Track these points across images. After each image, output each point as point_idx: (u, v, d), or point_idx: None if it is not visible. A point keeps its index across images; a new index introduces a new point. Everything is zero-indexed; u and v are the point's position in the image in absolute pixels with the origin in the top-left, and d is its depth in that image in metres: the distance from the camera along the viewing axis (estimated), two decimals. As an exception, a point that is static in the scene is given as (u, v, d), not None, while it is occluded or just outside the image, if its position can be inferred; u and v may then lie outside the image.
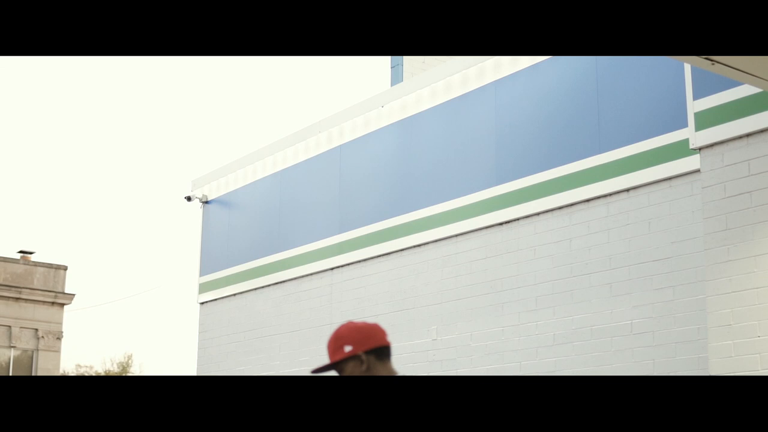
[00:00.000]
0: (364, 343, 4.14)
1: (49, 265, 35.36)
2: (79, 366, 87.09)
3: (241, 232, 15.21)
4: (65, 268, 35.44)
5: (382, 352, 4.18)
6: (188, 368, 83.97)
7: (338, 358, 4.13)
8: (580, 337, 9.74)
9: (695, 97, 8.09)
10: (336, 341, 4.15)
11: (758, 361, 7.38)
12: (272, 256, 14.29)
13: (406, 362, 11.27)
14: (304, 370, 13.30)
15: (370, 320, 4.48)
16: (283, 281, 14.03)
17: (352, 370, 4.14)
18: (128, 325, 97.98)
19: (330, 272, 13.19)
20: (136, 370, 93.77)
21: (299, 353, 13.48)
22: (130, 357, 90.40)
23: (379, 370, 4.15)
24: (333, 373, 4.17)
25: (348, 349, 4.12)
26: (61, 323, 34.86)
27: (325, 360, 4.28)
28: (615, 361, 9.40)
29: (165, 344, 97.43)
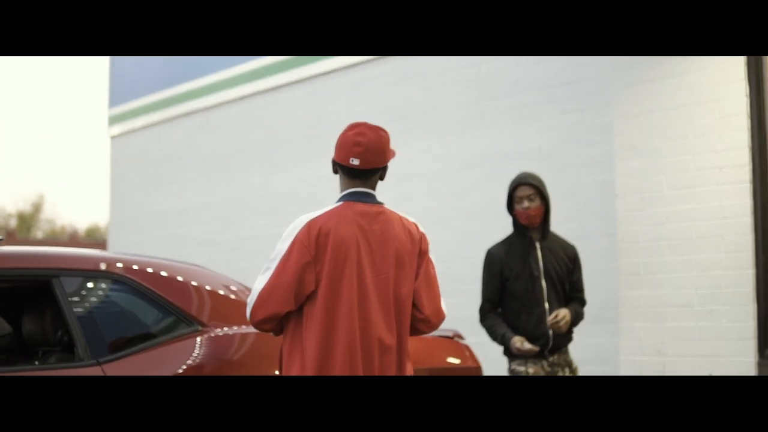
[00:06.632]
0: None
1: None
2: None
3: (150, 61, 14.92)
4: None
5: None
6: (101, 203, 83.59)
7: (388, 160, 4.12)
8: (488, 161, 9.77)
9: None
10: (388, 145, 4.12)
11: (664, 182, 7.46)
12: (182, 85, 14.08)
13: (319, 189, 11.24)
14: (216, 200, 13.26)
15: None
16: (194, 111, 13.86)
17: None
18: (38, 164, 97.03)
19: (240, 101, 13.04)
20: (49, 209, 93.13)
21: (212, 183, 13.41)
22: (42, 197, 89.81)
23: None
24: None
25: (390, 156, 4.14)
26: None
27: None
28: (523, 185, 9.46)
29: (77, 181, 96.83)
